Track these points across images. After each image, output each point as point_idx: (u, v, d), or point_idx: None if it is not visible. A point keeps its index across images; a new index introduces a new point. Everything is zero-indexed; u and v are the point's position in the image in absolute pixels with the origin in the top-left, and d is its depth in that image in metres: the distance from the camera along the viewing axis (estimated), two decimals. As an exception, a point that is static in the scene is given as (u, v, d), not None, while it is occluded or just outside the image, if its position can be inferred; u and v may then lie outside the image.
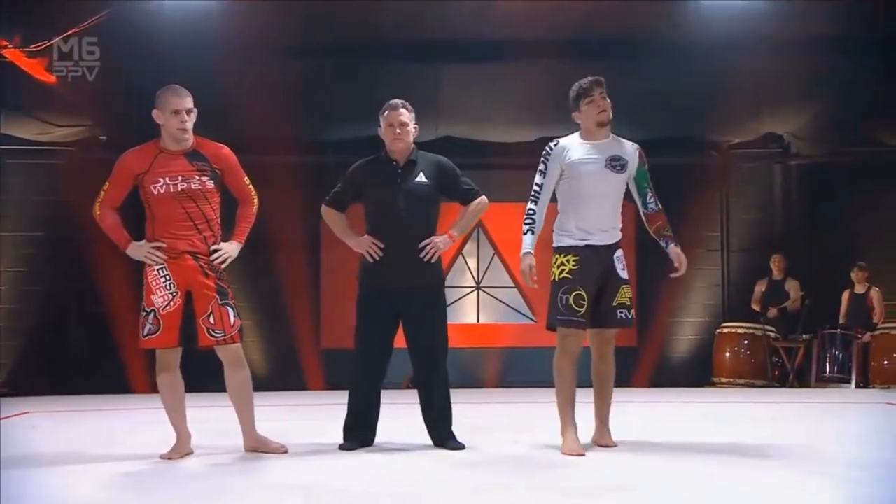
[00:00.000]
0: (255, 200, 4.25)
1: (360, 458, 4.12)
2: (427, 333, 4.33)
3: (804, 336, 8.71)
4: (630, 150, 4.24)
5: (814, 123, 9.31)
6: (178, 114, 4.02)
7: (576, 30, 7.98)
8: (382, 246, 4.27)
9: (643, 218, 4.32)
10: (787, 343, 8.80)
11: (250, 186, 4.24)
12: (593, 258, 4.13)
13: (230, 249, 4.13)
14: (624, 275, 4.19)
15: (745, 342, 8.69)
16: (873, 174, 9.29)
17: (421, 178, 4.33)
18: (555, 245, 4.22)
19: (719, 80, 8.37)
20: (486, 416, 5.64)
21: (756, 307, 9.08)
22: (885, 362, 8.24)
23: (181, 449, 4.14)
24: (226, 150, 4.19)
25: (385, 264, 4.28)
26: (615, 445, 4.23)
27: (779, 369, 8.79)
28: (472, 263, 9.73)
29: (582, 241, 4.14)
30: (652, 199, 4.25)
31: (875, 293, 8.82)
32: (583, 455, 3.98)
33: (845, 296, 8.93)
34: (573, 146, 4.20)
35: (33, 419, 5.92)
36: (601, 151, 4.17)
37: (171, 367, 4.10)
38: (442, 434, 4.31)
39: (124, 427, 5.59)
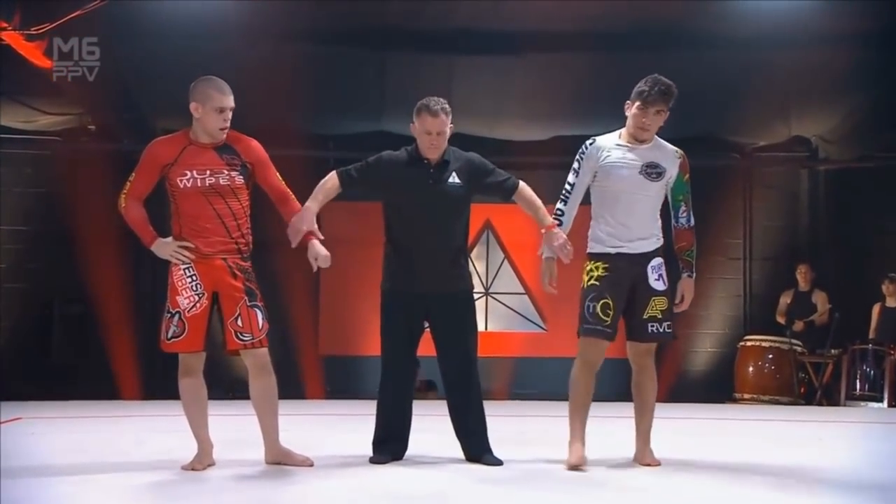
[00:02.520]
0: (297, 204, 4.09)
1: (391, 471, 4.05)
2: (459, 341, 4.25)
3: (833, 351, 8.56)
4: (671, 156, 4.14)
5: (843, 126, 9.19)
6: (223, 112, 3.93)
7: (596, 23, 7.88)
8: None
9: (672, 231, 4.20)
10: (815, 358, 8.66)
11: (286, 187, 4.10)
12: (625, 267, 4.07)
13: (323, 252, 4.09)
14: (657, 285, 4.09)
15: (770, 356, 8.57)
16: (907, 181, 9.15)
17: (454, 178, 4.21)
18: (587, 251, 4.17)
19: (744, 78, 8.25)
20: (503, 430, 5.47)
21: (781, 320, 8.96)
22: (920, 380, 8.09)
23: (204, 459, 4.02)
24: (256, 143, 4.08)
25: (413, 269, 4.18)
26: (659, 464, 4.14)
27: (805, 386, 8.66)
28: (481, 268, 9.55)
29: (613, 249, 4.08)
30: (684, 215, 4.14)
31: (908, 307, 8.67)
32: (583, 470, 3.94)
33: (876, 309, 8.77)
34: (609, 147, 4.12)
35: (28, 425, 5.83)
36: (639, 156, 4.08)
37: (195, 372, 4.00)
38: (477, 447, 4.22)
39: (128, 435, 5.47)
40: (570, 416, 4.10)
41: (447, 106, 4.25)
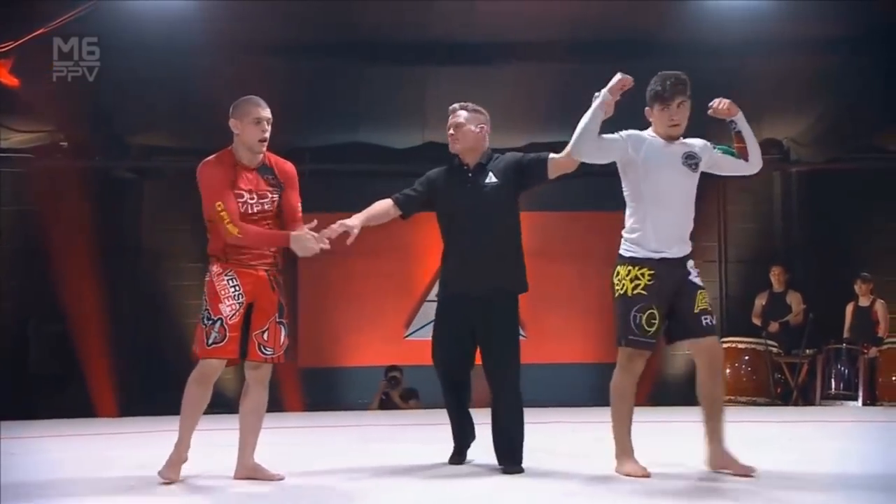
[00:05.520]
0: (301, 220, 4.18)
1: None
2: (500, 344, 4.24)
3: (808, 351, 8.68)
4: (698, 143, 4.09)
5: (815, 129, 9.34)
6: (260, 123, 4.04)
7: (569, 32, 7.97)
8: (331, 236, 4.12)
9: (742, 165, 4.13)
10: (790, 359, 8.78)
11: (299, 205, 4.20)
12: (667, 273, 3.96)
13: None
14: (698, 281, 4.03)
15: (746, 358, 8.66)
16: (877, 182, 9.35)
17: (490, 178, 4.31)
18: (626, 255, 4.03)
19: (715, 82, 8.28)
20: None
21: (757, 321, 9.07)
22: (893, 378, 8.24)
23: (178, 464, 4.05)
24: (290, 165, 4.21)
25: (462, 271, 4.27)
26: (754, 473, 3.90)
27: (781, 386, 8.78)
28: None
29: (657, 254, 3.97)
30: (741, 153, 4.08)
31: (880, 306, 8.82)
32: (648, 475, 3.90)
33: (849, 309, 8.93)
34: (648, 140, 4.04)
35: (7, 446, 5.76)
36: (675, 150, 4.03)
37: (209, 381, 4.05)
38: (509, 457, 4.19)
39: (112, 452, 5.43)
40: (616, 427, 4.03)
41: (471, 105, 4.42)
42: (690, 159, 4.00)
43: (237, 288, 4.00)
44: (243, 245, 4.00)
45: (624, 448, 4.03)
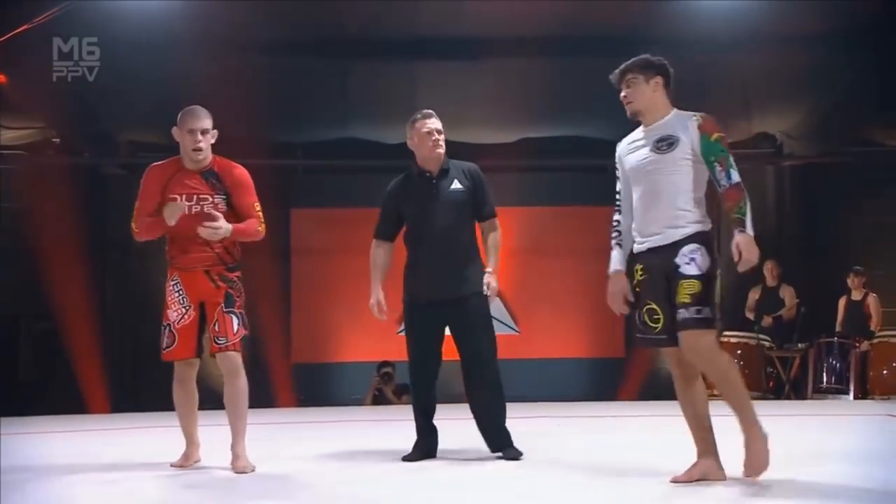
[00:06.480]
0: (261, 228, 4.33)
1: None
2: (474, 341, 4.46)
3: (800, 345, 8.72)
4: (687, 121, 3.77)
5: (807, 122, 9.38)
6: (193, 133, 4.22)
7: (558, 27, 8.00)
8: (385, 314, 4.47)
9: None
10: (782, 353, 8.82)
11: (259, 213, 4.33)
12: (656, 263, 3.76)
13: (225, 225, 4.18)
14: (687, 269, 3.66)
15: (738, 352, 8.66)
16: (870, 175, 9.37)
17: (455, 184, 4.47)
18: (631, 252, 3.94)
19: (707, 77, 8.40)
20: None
21: (750, 315, 9.10)
22: (885, 372, 8.29)
23: (191, 457, 4.36)
24: (240, 169, 4.36)
25: (425, 277, 4.43)
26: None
27: (774, 380, 8.82)
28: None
29: (642, 245, 3.82)
30: (722, 175, 3.66)
31: (872, 300, 8.86)
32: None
33: (842, 303, 8.96)
34: (626, 140, 3.97)
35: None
36: (649, 135, 3.83)
37: (185, 379, 4.33)
38: (499, 441, 4.44)
39: (113, 445, 5.55)
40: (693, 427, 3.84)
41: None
42: (662, 142, 3.77)
43: (181, 293, 4.26)
44: (144, 238, 4.27)
45: (704, 451, 3.79)
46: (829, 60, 8.58)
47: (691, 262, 3.67)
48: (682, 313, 3.65)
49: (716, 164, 3.68)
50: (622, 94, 3.88)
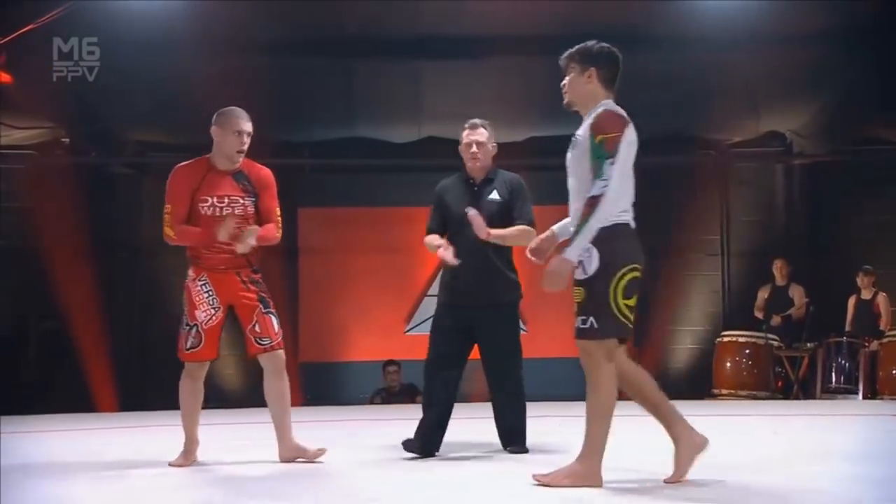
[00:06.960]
0: (279, 234, 4.38)
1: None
2: (501, 351, 4.56)
3: (808, 345, 8.70)
4: (589, 118, 3.60)
5: (817, 121, 9.36)
6: (240, 135, 4.26)
7: (566, 25, 7.98)
8: (457, 262, 4.40)
9: None
10: (791, 352, 8.81)
11: (279, 218, 4.39)
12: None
13: (253, 240, 4.20)
14: (577, 273, 3.50)
15: (747, 352, 8.67)
16: (880, 174, 9.36)
17: (494, 195, 4.56)
18: None
19: (717, 75, 8.40)
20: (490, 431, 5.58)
21: (759, 314, 9.08)
22: (894, 372, 8.24)
23: (189, 455, 4.35)
24: (265, 170, 4.42)
25: (459, 282, 4.52)
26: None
27: (782, 380, 8.80)
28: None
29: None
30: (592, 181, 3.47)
31: (882, 299, 8.83)
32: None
33: (851, 302, 8.93)
34: None
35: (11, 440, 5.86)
36: (579, 128, 3.66)
37: (198, 377, 4.36)
38: (512, 441, 4.53)
39: (118, 443, 5.57)
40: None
41: (487, 122, 4.64)
42: (573, 139, 3.64)
43: (211, 293, 4.26)
44: (196, 245, 4.22)
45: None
46: (840, 58, 8.57)
47: (580, 264, 3.49)
48: (576, 322, 3.53)
49: (590, 170, 3.50)
50: (563, 82, 3.71)
